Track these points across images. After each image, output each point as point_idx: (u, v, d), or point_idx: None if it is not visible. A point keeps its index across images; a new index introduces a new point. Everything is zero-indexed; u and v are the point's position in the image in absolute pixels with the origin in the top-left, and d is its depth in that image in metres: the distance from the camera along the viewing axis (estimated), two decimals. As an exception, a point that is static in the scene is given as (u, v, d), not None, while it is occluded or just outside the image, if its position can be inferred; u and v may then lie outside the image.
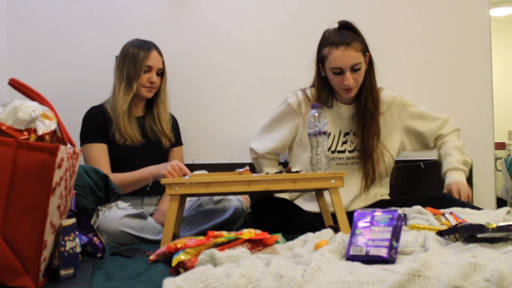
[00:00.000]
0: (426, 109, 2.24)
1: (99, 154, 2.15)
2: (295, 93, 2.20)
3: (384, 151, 2.14)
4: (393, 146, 2.18)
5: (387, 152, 2.15)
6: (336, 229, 1.69)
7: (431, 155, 2.37)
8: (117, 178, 2.05)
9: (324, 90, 2.13)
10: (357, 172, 2.14)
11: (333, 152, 2.14)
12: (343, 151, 2.14)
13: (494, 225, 1.26)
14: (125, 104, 2.17)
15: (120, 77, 2.19)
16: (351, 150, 2.14)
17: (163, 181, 1.65)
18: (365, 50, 2.04)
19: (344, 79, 2.00)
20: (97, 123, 2.18)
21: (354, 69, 1.99)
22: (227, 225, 2.01)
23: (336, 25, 2.05)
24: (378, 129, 2.11)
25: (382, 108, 2.14)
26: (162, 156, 2.29)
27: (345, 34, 2.00)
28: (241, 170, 1.74)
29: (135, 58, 2.18)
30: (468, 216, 1.70)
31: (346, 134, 2.16)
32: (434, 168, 2.31)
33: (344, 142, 2.15)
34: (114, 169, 2.15)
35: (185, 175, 1.96)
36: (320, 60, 2.07)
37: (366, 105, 2.09)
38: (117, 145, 2.16)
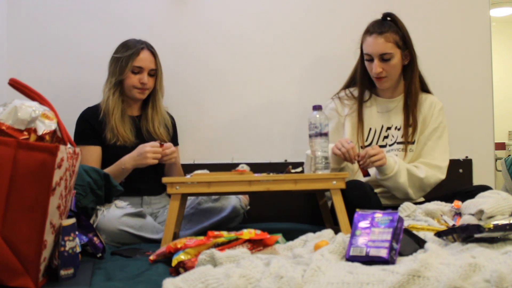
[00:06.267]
0: (446, 143, 2.12)
1: (89, 156, 2.12)
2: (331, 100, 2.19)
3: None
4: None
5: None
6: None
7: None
8: None
9: (365, 81, 2.12)
10: None
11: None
12: (384, 146, 2.10)
13: (491, 225, 1.26)
14: (112, 102, 2.14)
15: (108, 77, 2.19)
16: (392, 144, 2.10)
17: (164, 180, 1.67)
18: (401, 44, 2.03)
19: (373, 67, 2.02)
20: (89, 125, 2.16)
21: (383, 58, 2.00)
22: (226, 223, 2.01)
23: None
24: (415, 124, 2.07)
25: (424, 107, 2.11)
26: None
27: (383, 23, 2.04)
28: (239, 168, 1.75)
29: (122, 58, 2.15)
30: (478, 200, 1.67)
31: (388, 128, 2.12)
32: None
33: (386, 137, 2.11)
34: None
35: (164, 149, 2.03)
36: (361, 48, 2.09)
37: (406, 100, 2.08)
38: (110, 146, 2.14)
